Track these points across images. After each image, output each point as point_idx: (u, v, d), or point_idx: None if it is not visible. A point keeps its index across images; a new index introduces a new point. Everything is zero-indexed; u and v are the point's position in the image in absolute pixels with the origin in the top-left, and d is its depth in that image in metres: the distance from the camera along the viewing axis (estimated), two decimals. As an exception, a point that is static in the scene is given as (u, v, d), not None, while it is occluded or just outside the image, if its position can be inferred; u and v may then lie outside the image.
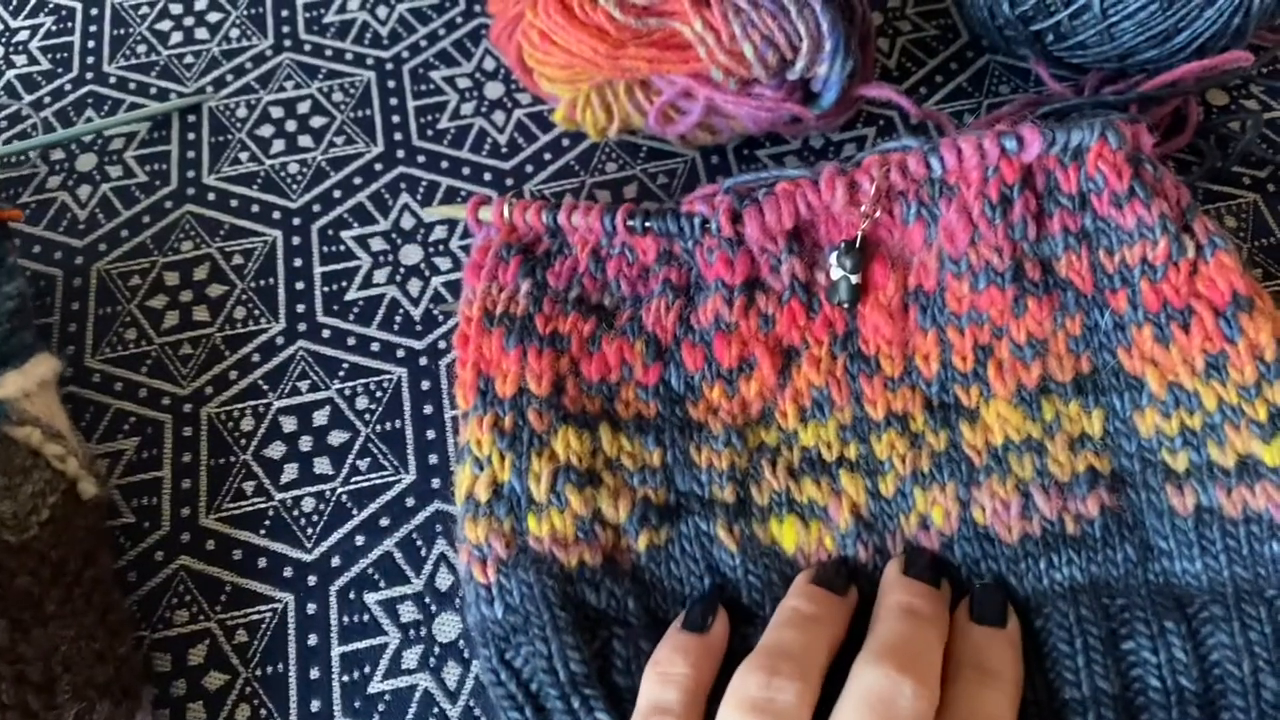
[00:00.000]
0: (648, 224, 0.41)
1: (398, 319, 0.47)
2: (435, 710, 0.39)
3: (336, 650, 0.41)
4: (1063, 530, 0.37)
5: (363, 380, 0.46)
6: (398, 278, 0.48)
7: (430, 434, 0.44)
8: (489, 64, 0.54)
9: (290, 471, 0.44)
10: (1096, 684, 0.33)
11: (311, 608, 0.41)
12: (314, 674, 0.40)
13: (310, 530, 0.43)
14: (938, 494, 0.38)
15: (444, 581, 0.42)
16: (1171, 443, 0.37)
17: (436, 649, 0.40)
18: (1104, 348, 0.39)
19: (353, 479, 0.44)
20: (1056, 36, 0.48)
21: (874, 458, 0.39)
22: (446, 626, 0.41)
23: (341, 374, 0.46)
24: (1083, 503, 0.37)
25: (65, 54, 0.56)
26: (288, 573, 0.42)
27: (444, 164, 0.51)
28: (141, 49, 0.56)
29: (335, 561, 0.42)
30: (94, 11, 0.57)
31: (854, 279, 0.40)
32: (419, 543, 0.42)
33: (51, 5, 0.58)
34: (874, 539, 0.38)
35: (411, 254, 0.49)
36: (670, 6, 0.44)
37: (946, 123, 0.47)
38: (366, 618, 0.41)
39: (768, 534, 0.38)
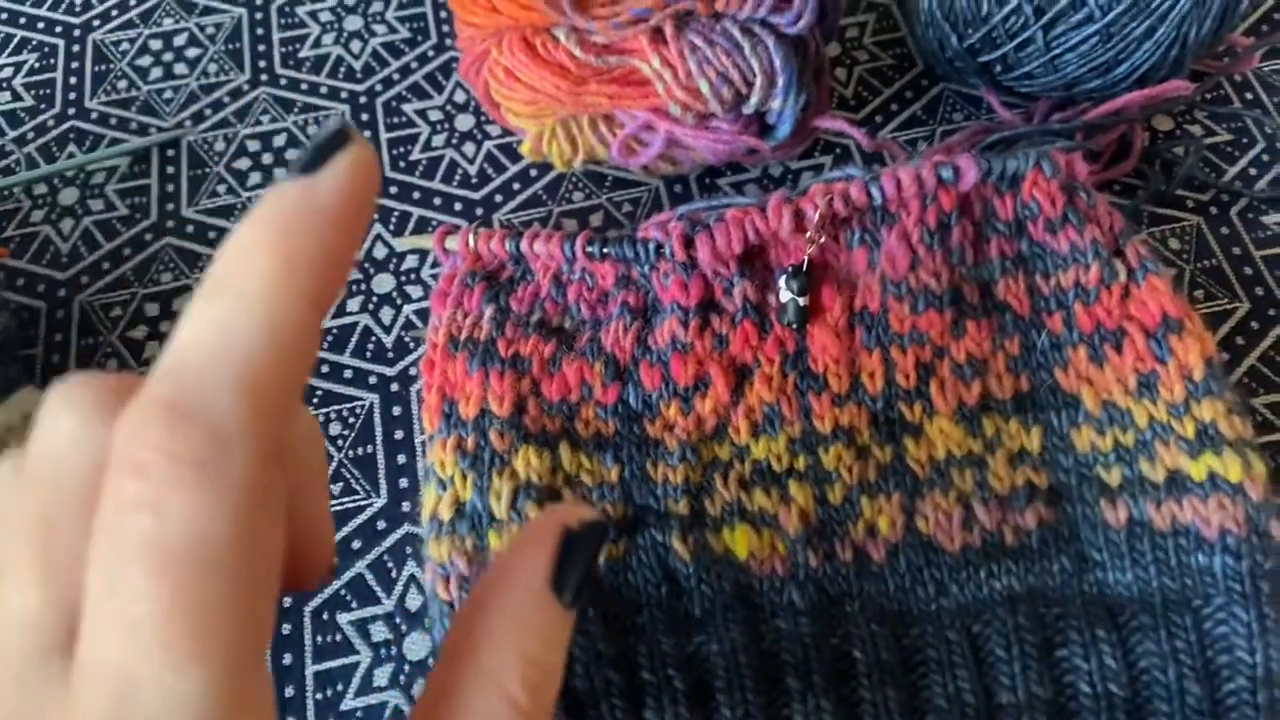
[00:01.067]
0: (605, 250, 0.43)
1: (370, 346, 0.49)
2: (405, 725, 0.41)
3: (310, 669, 0.42)
4: (1002, 541, 0.39)
5: (336, 407, 0.47)
6: (370, 306, 0.50)
7: (401, 458, 0.46)
8: (460, 97, 0.56)
9: (265, 495, 0.45)
10: (1031, 689, 0.35)
11: (286, 628, 0.43)
12: (289, 692, 0.41)
13: (284, 552, 0.44)
14: (884, 503, 0.40)
15: (414, 602, 0.43)
16: (1106, 458, 0.39)
17: (407, 667, 0.42)
18: (1041, 367, 0.40)
19: (325, 502, 0.45)
20: (1004, 67, 0.50)
21: (822, 468, 0.40)
22: (416, 645, 0.42)
23: (315, 400, 0.47)
24: (1021, 515, 0.39)
25: (48, 90, 0.58)
26: (263, 593, 0.43)
27: (416, 195, 0.53)
28: (122, 84, 0.58)
29: (308, 582, 0.44)
30: (76, 48, 0.59)
31: (802, 301, 0.42)
32: (390, 564, 0.44)
33: (35, 42, 0.60)
34: (823, 545, 0.39)
35: (384, 283, 0.50)
36: (629, 44, 0.45)
37: (897, 151, 0.49)
38: (339, 637, 0.42)
39: (721, 543, 0.40)
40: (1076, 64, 0.48)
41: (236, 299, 0.21)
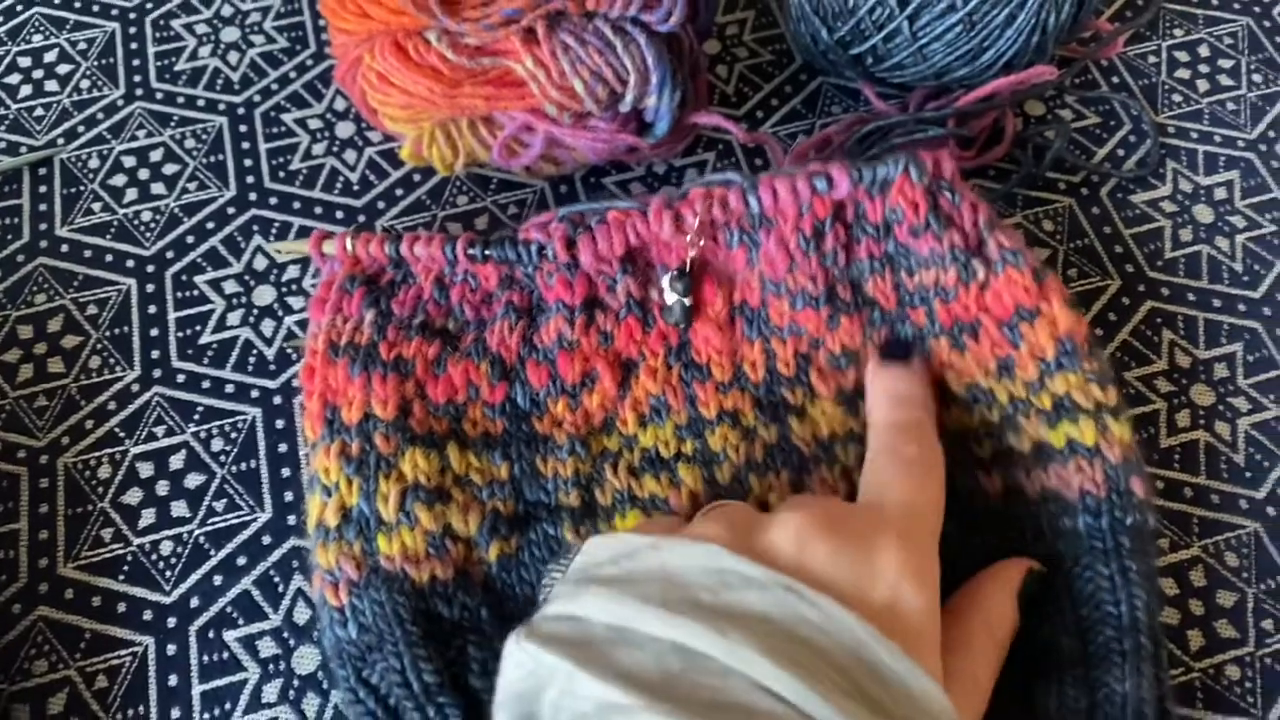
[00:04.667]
0: (487, 252, 0.43)
1: (251, 360, 0.48)
2: (297, 740, 0.40)
3: (197, 689, 0.41)
4: None
5: (218, 422, 0.46)
6: (251, 319, 0.49)
7: (285, 472, 0.45)
8: (340, 104, 0.55)
9: (148, 516, 0.44)
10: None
11: (171, 649, 0.42)
12: (175, 714, 0.40)
13: (169, 573, 0.43)
14: (773, 480, 0.40)
15: (301, 615, 0.42)
16: (976, 434, 0.40)
17: (296, 681, 0.41)
18: None
19: (210, 520, 0.44)
20: (875, 59, 0.51)
21: (709, 450, 0.41)
22: (305, 659, 0.41)
23: (197, 417, 0.46)
24: None
25: (-89, 113, 0.56)
26: (147, 616, 0.42)
27: (296, 204, 0.52)
28: (-10, 105, 0.56)
29: (194, 602, 0.43)
30: (-60, 70, 0.57)
31: (686, 301, 0.42)
32: (276, 579, 0.43)
33: (-104, 65, 0.58)
34: None
35: (265, 294, 0.49)
36: (502, 45, 0.45)
37: (774, 144, 0.50)
38: (226, 655, 0.41)
39: (612, 530, 0.40)
40: (943, 53, 0.49)
41: None
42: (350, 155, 0.54)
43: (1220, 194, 0.52)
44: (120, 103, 0.56)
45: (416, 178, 0.53)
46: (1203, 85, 0.56)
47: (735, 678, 0.28)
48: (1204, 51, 0.57)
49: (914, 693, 0.29)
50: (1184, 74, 0.56)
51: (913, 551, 0.32)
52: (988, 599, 0.36)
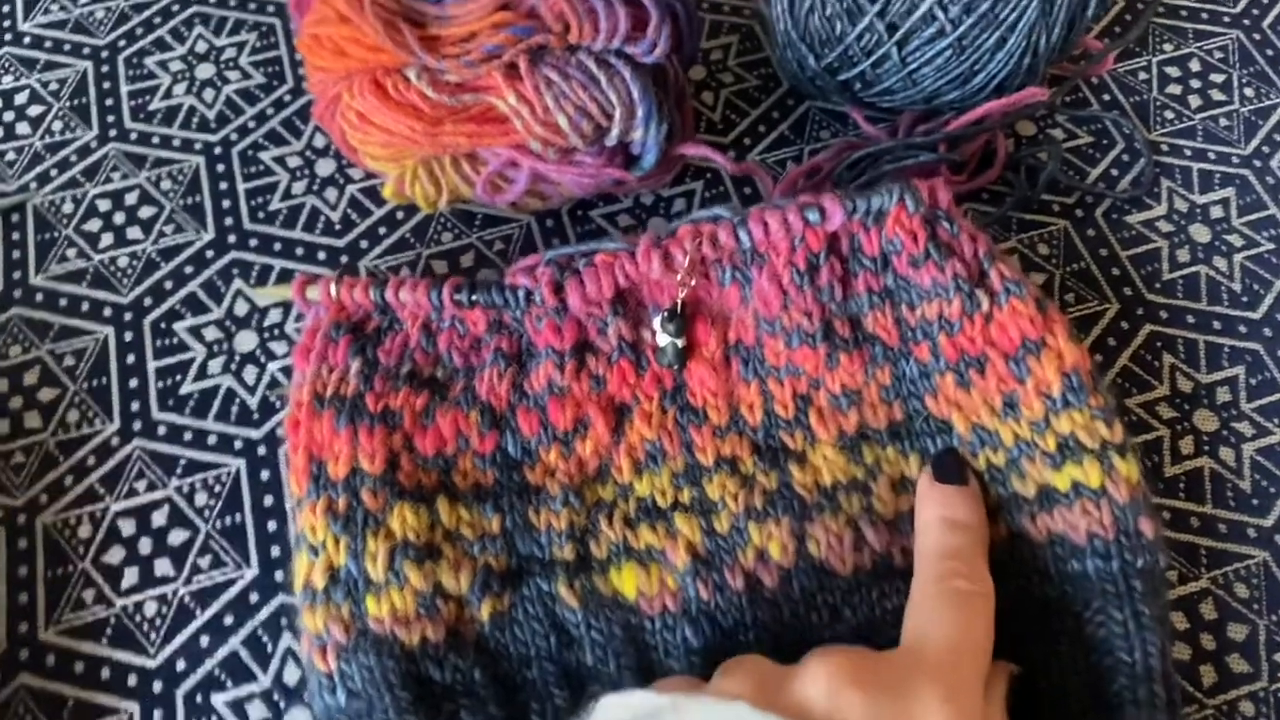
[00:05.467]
0: (474, 298, 0.42)
1: (234, 409, 0.46)
2: (290, 808, 0.39)
3: (186, 756, 0.40)
4: (892, 563, 0.38)
5: (201, 475, 0.45)
6: (233, 366, 0.47)
7: (272, 525, 0.44)
8: (319, 141, 0.54)
9: (131, 576, 0.43)
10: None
11: (158, 714, 0.40)
12: (163, 783, 0.39)
13: (154, 635, 0.42)
14: (773, 528, 0.39)
15: (291, 676, 0.41)
16: (980, 480, 0.39)
17: (288, 744, 0.40)
18: (912, 395, 0.41)
19: (195, 578, 0.43)
20: (863, 84, 0.50)
21: (707, 499, 0.40)
22: (297, 720, 0.40)
23: (179, 471, 0.45)
24: (909, 539, 0.38)
25: (-122, 159, 0.54)
26: (132, 681, 0.41)
27: (277, 246, 0.51)
28: (-40, 149, 0.55)
29: (180, 665, 0.41)
30: (-93, 114, 0.56)
31: (679, 343, 0.41)
32: (264, 639, 0.42)
33: None
34: (713, 575, 0.39)
35: (246, 340, 0.48)
36: (484, 82, 0.44)
37: (763, 174, 0.49)
38: None
39: (608, 584, 0.39)
40: (933, 77, 0.48)
41: None
42: (331, 193, 0.52)
43: (1216, 212, 0.51)
44: (94, 144, 0.54)
45: (400, 215, 0.52)
46: (1195, 101, 0.55)
47: None
48: (1195, 66, 0.56)
49: None
50: (1175, 89, 0.56)
51: (954, 698, 0.31)
52: None
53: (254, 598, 0.42)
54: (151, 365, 0.48)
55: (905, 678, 0.31)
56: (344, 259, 0.50)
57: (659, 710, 0.31)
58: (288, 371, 0.47)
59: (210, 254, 0.51)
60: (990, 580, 0.35)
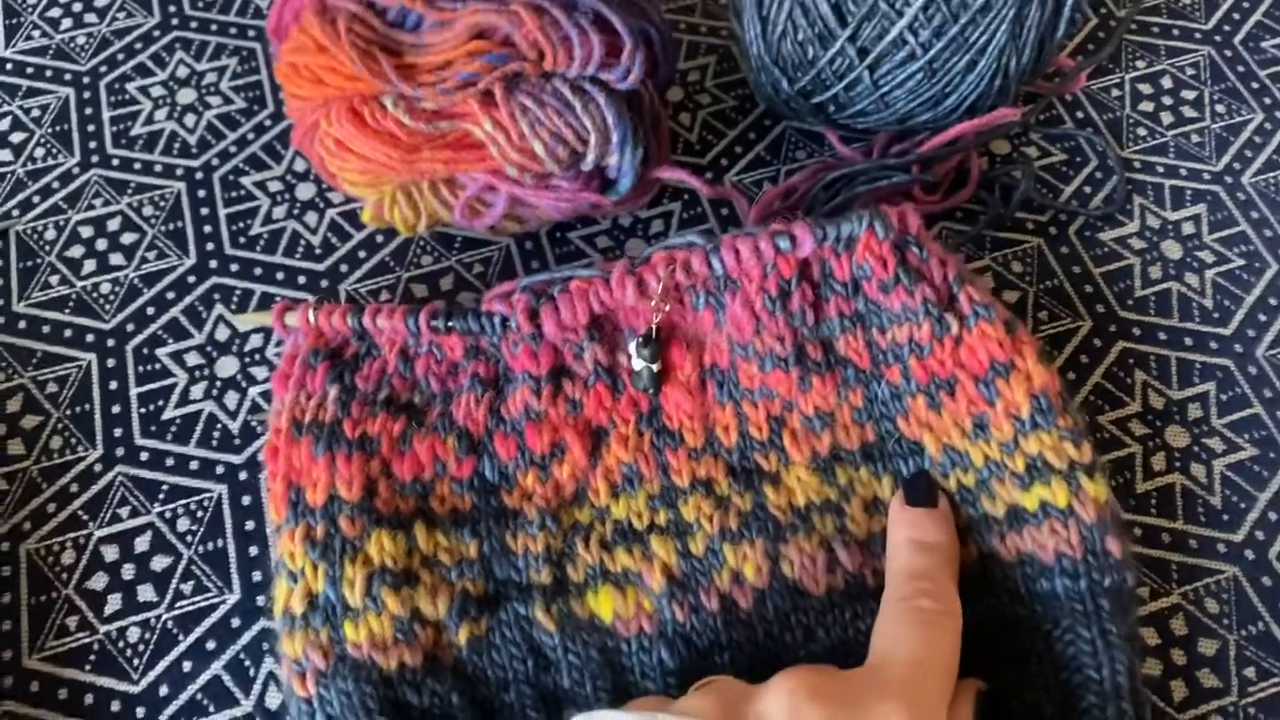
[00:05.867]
0: (451, 324, 0.42)
1: (216, 434, 0.47)
2: (271, 833, 0.39)
3: (168, 782, 0.40)
4: (864, 584, 0.39)
5: (183, 501, 0.45)
6: (214, 392, 0.48)
7: (254, 550, 0.44)
8: (299, 165, 0.54)
9: (114, 602, 0.43)
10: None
11: (141, 741, 0.41)
12: (146, 809, 0.39)
13: (137, 661, 0.42)
14: (748, 549, 0.39)
15: (274, 700, 0.41)
16: (951, 501, 0.39)
17: (270, 769, 0.40)
18: (884, 417, 0.41)
19: (177, 604, 0.43)
20: (837, 106, 0.50)
21: (683, 521, 0.40)
22: (279, 745, 0.41)
23: (161, 496, 0.46)
24: (881, 560, 0.39)
25: None
26: (115, 707, 0.41)
27: (258, 270, 0.51)
28: (-57, 176, 0.55)
29: (163, 690, 0.42)
30: (-109, 141, 0.56)
31: (655, 367, 0.42)
32: (247, 663, 0.42)
33: None
34: (689, 597, 0.39)
35: (228, 366, 0.49)
36: (460, 109, 0.45)
37: (738, 197, 0.50)
38: (197, 745, 0.41)
39: (585, 608, 0.39)
40: (906, 99, 0.49)
41: None
42: (311, 218, 0.53)
43: (1188, 229, 0.52)
44: (76, 170, 0.55)
45: (379, 239, 0.52)
46: (1167, 118, 0.56)
47: None
48: (1166, 83, 0.57)
49: None
50: (1148, 106, 0.56)
51: (915, 715, 0.31)
52: None
53: (236, 623, 0.43)
54: (134, 391, 0.48)
55: (866, 694, 0.31)
56: (324, 283, 0.51)
57: None
58: (269, 396, 0.48)
59: (192, 279, 0.51)
60: (958, 601, 0.36)
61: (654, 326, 0.42)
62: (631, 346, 0.42)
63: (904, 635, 0.34)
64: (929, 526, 0.38)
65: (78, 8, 0.60)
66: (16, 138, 0.56)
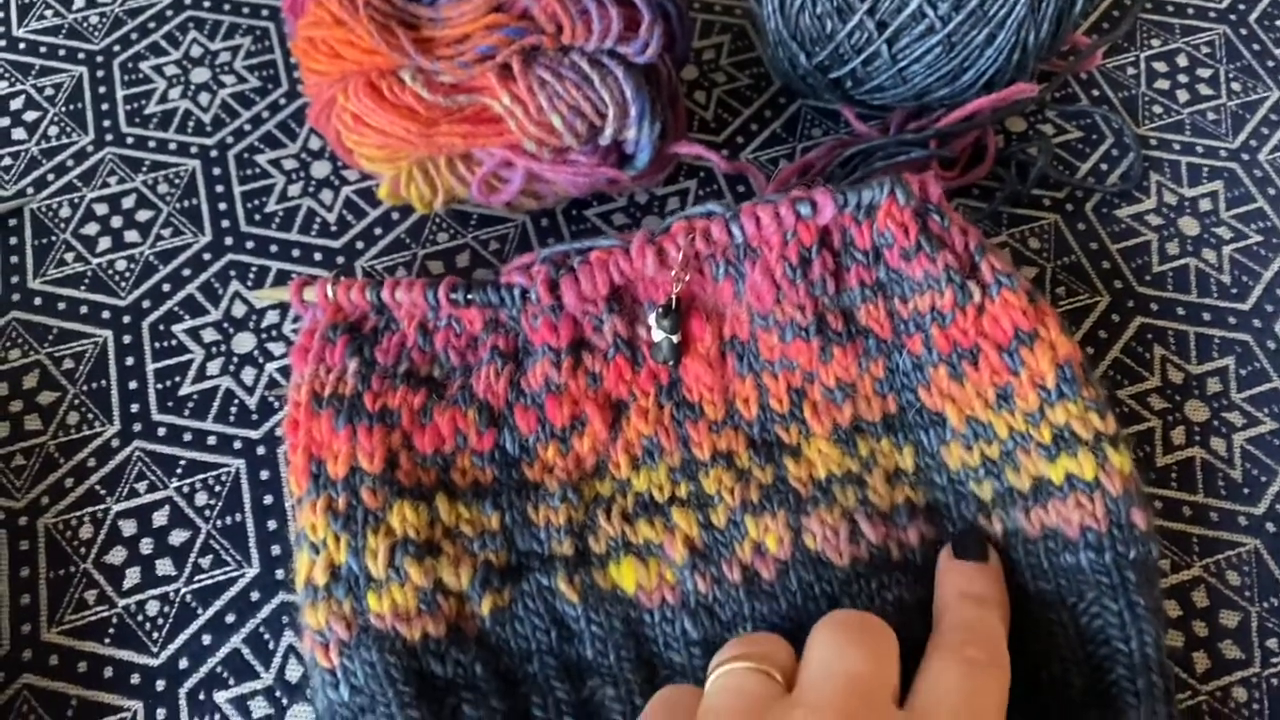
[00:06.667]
0: (470, 297, 0.42)
1: (233, 410, 0.47)
2: (293, 804, 0.39)
3: (189, 754, 0.40)
4: (888, 555, 0.39)
5: (201, 476, 0.45)
6: (231, 367, 0.48)
7: (272, 524, 0.44)
8: (315, 143, 0.54)
9: (132, 576, 0.43)
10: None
11: (161, 713, 0.41)
12: (167, 781, 0.39)
13: (156, 634, 0.42)
14: (769, 521, 0.39)
15: (294, 673, 0.41)
16: (976, 474, 0.39)
17: (291, 741, 0.40)
18: (906, 388, 0.41)
19: (196, 578, 0.43)
20: (854, 82, 0.50)
21: (704, 493, 0.40)
22: (299, 719, 0.40)
23: (179, 471, 0.45)
24: (904, 532, 0.39)
25: (-125, 166, 0.55)
26: (135, 680, 0.41)
27: (273, 247, 0.51)
28: (-43, 155, 0.55)
29: (183, 663, 0.42)
30: (-96, 120, 0.56)
31: (675, 338, 0.42)
32: (266, 636, 0.42)
33: None
34: (710, 569, 0.39)
35: (245, 342, 0.49)
36: (478, 82, 0.45)
37: (755, 172, 0.49)
38: (218, 718, 0.40)
39: (608, 579, 0.39)
40: (923, 74, 0.49)
41: None
42: (327, 195, 0.53)
43: (1205, 205, 0.52)
44: (90, 149, 0.55)
45: (395, 216, 0.52)
46: (1183, 95, 0.56)
47: None
48: (1182, 61, 0.57)
49: None
50: (1163, 84, 0.56)
51: None
52: None
53: (255, 596, 0.43)
54: (151, 367, 0.48)
55: None
56: (340, 260, 0.51)
57: None
58: (285, 371, 0.48)
59: (208, 257, 0.51)
60: (1007, 656, 0.34)
61: (674, 297, 0.42)
62: (651, 318, 0.42)
63: (951, 686, 0.33)
64: (980, 581, 0.37)
65: (90, -13, 0.60)
66: (30, 116, 0.56)
